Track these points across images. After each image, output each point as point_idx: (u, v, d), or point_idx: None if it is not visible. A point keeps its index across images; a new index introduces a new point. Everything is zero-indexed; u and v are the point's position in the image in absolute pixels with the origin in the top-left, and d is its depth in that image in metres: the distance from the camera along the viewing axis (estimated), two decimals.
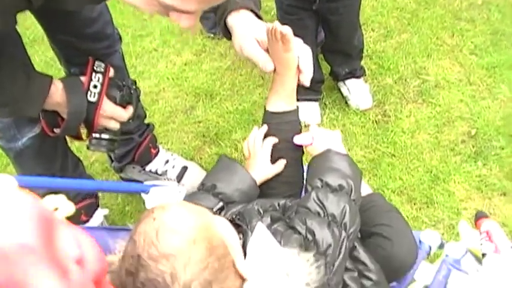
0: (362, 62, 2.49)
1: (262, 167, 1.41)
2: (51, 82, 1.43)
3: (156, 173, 2.26)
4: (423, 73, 2.56)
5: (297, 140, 1.41)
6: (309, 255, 1.04)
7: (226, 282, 0.93)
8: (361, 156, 2.29)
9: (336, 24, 2.24)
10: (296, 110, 1.43)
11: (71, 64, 1.87)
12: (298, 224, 1.13)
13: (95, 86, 1.53)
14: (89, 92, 1.52)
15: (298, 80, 1.38)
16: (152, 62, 2.91)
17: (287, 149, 1.42)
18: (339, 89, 2.54)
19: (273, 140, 1.43)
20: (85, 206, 2.00)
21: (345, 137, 2.36)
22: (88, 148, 1.64)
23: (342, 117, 2.45)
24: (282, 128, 1.42)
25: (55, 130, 1.54)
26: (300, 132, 1.43)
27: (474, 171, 2.19)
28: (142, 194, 1.38)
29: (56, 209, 1.01)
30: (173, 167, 2.26)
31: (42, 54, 2.95)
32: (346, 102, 2.50)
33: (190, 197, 1.31)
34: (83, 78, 1.54)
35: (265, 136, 1.45)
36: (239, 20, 1.36)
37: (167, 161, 2.27)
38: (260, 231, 1.05)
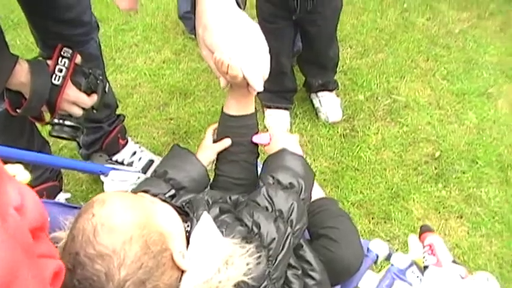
0: (336, 77, 2.54)
1: (204, 147, 1.43)
2: (16, 61, 1.44)
3: (122, 163, 2.27)
4: (395, 93, 2.62)
5: (255, 139, 1.42)
6: (250, 246, 1.06)
7: (162, 278, 0.95)
8: (325, 167, 2.33)
9: (314, 36, 2.29)
10: (253, 115, 1.43)
11: (47, 47, 1.89)
12: (246, 216, 1.15)
13: (60, 70, 1.53)
14: (54, 75, 1.52)
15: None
16: (131, 56, 2.94)
17: (241, 152, 1.43)
18: (311, 101, 2.58)
19: (226, 141, 1.43)
20: (48, 187, 2.01)
21: (311, 147, 2.41)
22: (50, 134, 1.63)
23: (311, 128, 2.50)
24: (237, 131, 1.42)
25: (17, 110, 1.54)
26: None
27: (434, 192, 2.24)
28: (102, 177, 1.40)
29: (14, 176, 1.04)
30: (140, 159, 2.28)
31: (25, 38, 2.97)
32: (316, 114, 2.55)
33: (143, 183, 1.33)
34: (50, 62, 1.55)
35: (221, 138, 1.45)
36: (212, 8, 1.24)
37: (134, 153, 2.29)
38: (204, 220, 1.08)
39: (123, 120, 2.26)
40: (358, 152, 2.37)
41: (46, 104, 1.52)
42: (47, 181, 1.99)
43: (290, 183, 1.24)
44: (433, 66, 2.75)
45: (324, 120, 2.51)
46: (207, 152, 1.42)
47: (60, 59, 1.54)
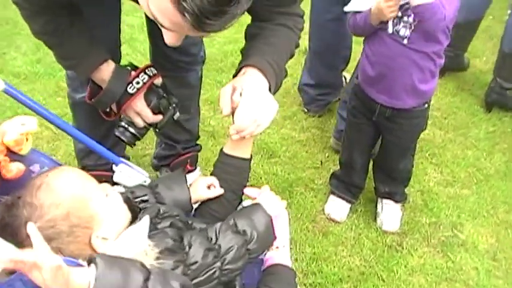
0: (410, 190, 2.60)
1: (197, 187, 1.61)
2: (105, 59, 1.74)
3: None
4: (458, 228, 2.60)
5: (246, 191, 1.61)
6: (168, 258, 1.25)
7: (69, 245, 1.18)
8: (355, 265, 2.39)
9: (388, 143, 2.40)
10: (247, 160, 1.61)
11: (156, 63, 2.19)
12: (187, 236, 1.34)
13: (138, 83, 1.77)
14: (130, 84, 1.76)
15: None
16: None
17: (225, 189, 1.61)
18: (376, 203, 2.66)
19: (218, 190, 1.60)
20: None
21: (353, 243, 2.49)
22: (114, 133, 1.85)
23: (363, 227, 2.57)
24: (226, 168, 1.61)
25: (92, 100, 1.85)
26: (246, 181, 1.64)
27: None
28: (113, 166, 1.66)
29: (23, 124, 1.33)
30: None
31: None
32: (374, 217, 2.62)
33: (134, 187, 1.57)
34: (133, 73, 1.79)
35: (212, 174, 1.64)
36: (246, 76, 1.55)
37: None
38: (141, 222, 1.30)
39: (199, 150, 2.53)
40: (392, 265, 2.40)
41: (116, 104, 1.78)
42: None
43: (244, 231, 1.39)
44: (510, 220, 2.69)
45: (379, 225, 2.57)
46: (198, 192, 1.60)
47: (142, 73, 1.79)
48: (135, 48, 3.62)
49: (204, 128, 3.05)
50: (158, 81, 1.85)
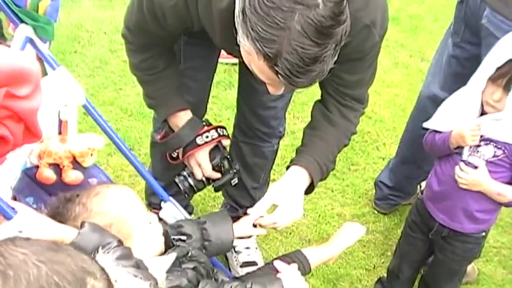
0: None
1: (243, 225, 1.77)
2: (184, 108, 1.94)
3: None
4: None
5: (276, 263, 1.69)
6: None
7: None
8: None
9: (437, 261, 2.39)
10: None
11: (237, 126, 2.44)
12: (202, 283, 1.44)
13: (207, 137, 1.95)
14: (200, 136, 1.94)
15: None
16: None
17: None
18: None
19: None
20: None
21: None
22: (174, 179, 2.03)
23: None
24: None
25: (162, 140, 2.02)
26: None
27: None
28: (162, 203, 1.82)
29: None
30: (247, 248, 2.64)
31: None
32: None
33: (183, 221, 1.72)
34: (206, 128, 1.98)
35: None
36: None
37: (247, 247, 2.66)
38: (168, 257, 1.43)
39: None
40: None
41: (182, 150, 1.96)
42: None
43: None
44: None
45: None
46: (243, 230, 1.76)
47: (213, 130, 1.98)
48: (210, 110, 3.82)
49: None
50: (226, 142, 2.02)
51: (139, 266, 1.20)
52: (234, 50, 1.40)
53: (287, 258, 1.77)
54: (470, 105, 2.07)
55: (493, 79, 1.97)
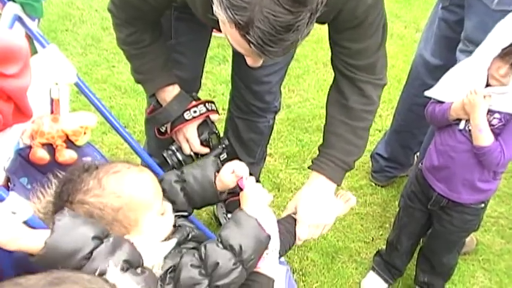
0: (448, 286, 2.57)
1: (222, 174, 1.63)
2: (172, 83, 1.91)
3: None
4: None
5: (240, 182, 1.58)
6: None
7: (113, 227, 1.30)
8: None
9: (436, 233, 2.39)
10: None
11: (232, 101, 2.40)
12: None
13: (195, 112, 1.93)
14: (188, 111, 1.92)
15: None
16: None
17: None
18: None
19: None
20: None
21: None
22: (162, 153, 2.01)
23: None
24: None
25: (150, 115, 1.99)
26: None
27: None
28: None
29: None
30: None
31: None
32: None
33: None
34: (194, 102, 1.95)
35: None
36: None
37: None
38: (168, 243, 1.41)
39: None
40: None
41: (170, 125, 1.94)
42: None
43: (230, 245, 1.35)
44: None
45: None
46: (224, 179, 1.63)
47: (201, 105, 1.95)
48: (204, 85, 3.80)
49: (272, 178, 3.16)
50: (214, 117, 1.99)
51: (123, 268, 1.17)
52: (216, 23, 1.37)
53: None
54: (475, 77, 2.05)
55: (501, 56, 1.96)
